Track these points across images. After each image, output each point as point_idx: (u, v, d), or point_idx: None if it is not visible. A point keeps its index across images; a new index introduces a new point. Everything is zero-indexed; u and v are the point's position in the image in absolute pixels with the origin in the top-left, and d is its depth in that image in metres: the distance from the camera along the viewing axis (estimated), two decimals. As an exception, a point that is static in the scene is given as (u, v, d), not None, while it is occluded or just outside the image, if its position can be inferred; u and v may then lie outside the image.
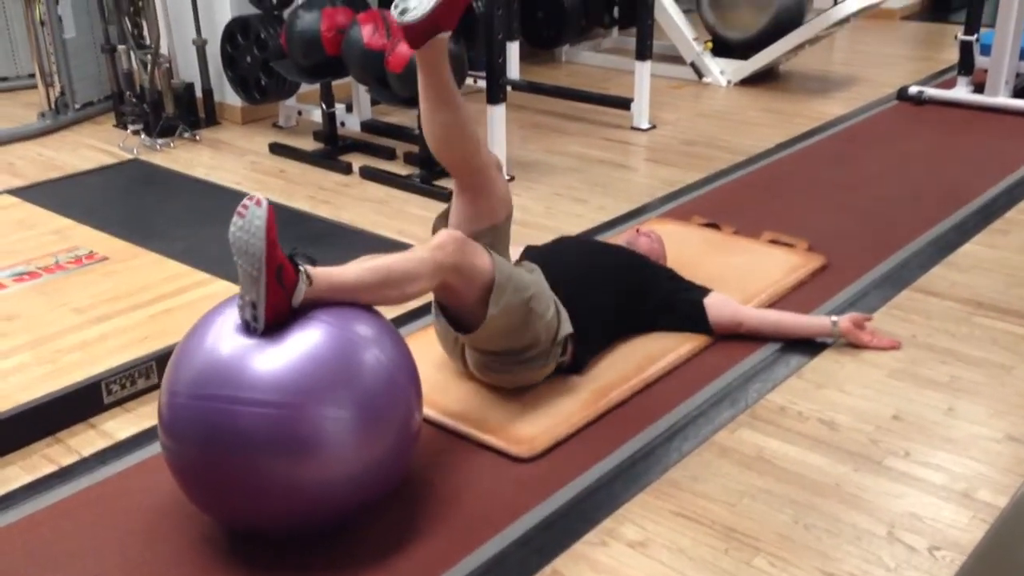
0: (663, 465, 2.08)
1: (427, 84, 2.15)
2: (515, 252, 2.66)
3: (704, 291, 2.58)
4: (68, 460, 2.16)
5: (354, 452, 1.76)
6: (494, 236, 2.23)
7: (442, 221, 2.29)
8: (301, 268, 1.79)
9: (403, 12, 2.04)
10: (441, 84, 2.13)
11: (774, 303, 2.73)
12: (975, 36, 4.56)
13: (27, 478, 2.09)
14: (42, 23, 4.51)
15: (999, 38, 4.39)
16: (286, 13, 4.01)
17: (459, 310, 2.11)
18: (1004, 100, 4.43)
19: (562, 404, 2.25)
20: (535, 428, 2.16)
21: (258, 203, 1.72)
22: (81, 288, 2.84)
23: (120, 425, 2.29)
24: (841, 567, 1.78)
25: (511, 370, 2.23)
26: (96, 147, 4.33)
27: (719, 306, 2.54)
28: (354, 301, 1.87)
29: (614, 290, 2.49)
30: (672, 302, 2.56)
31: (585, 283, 2.42)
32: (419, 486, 2.00)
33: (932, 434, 2.17)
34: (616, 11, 5.91)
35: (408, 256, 1.97)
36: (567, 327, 2.26)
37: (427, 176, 3.79)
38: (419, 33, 2.05)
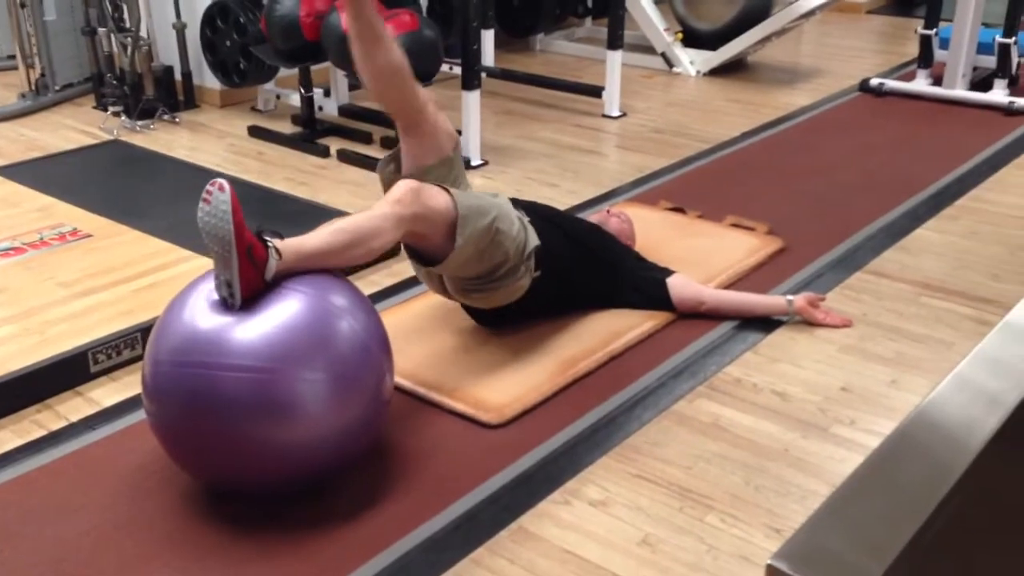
0: (625, 432, 2.21)
1: (357, 25, 2.20)
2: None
3: (667, 272, 2.71)
4: (57, 425, 2.26)
5: (328, 414, 1.88)
6: (447, 168, 2.35)
7: (387, 165, 2.38)
8: (270, 244, 1.89)
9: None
10: (370, 22, 2.19)
11: (734, 283, 2.86)
12: (934, 30, 4.71)
13: (19, 441, 2.19)
14: (23, 5, 4.55)
15: (956, 32, 4.55)
16: (265, -2, 4.09)
17: (429, 248, 2.23)
18: (960, 92, 4.59)
19: (530, 374, 2.37)
20: (504, 396, 2.28)
21: (221, 188, 1.81)
22: (66, 263, 2.93)
23: (106, 393, 2.39)
24: (787, 523, 1.91)
25: (487, 289, 2.35)
26: (77, 128, 4.40)
27: (681, 286, 2.67)
28: (324, 266, 1.97)
29: (581, 249, 2.60)
30: (636, 281, 2.69)
31: (555, 235, 2.51)
32: (392, 449, 2.12)
33: (877, 404, 2.31)
34: (590, 1, 6.04)
35: (370, 215, 2.08)
36: (534, 240, 2.38)
37: (403, 160, 3.89)
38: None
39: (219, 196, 1.80)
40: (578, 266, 2.59)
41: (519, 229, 2.34)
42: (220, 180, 1.83)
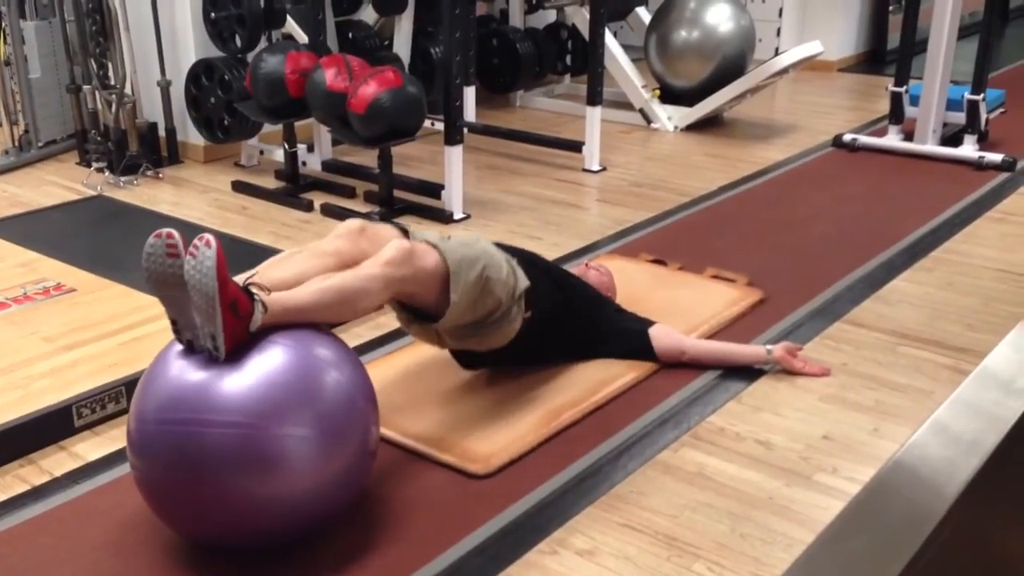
0: (611, 481, 2.22)
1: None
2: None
3: (649, 322, 2.74)
4: (40, 480, 2.24)
5: (314, 468, 1.87)
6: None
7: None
8: (257, 298, 1.89)
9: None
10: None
11: (715, 334, 2.89)
12: (904, 88, 4.83)
13: (1, 496, 2.17)
14: (7, 63, 4.60)
15: (926, 90, 4.67)
16: (250, 56, 4.16)
17: (423, 305, 2.25)
18: (931, 147, 4.70)
19: (516, 425, 2.39)
20: (491, 447, 2.29)
21: (208, 244, 1.80)
22: (50, 318, 2.93)
23: (90, 447, 2.38)
24: (773, 572, 1.92)
25: (482, 333, 2.37)
26: (60, 184, 4.41)
27: (663, 336, 2.70)
28: (309, 321, 1.99)
29: (567, 294, 2.63)
30: (619, 332, 2.72)
31: (542, 279, 2.54)
32: (379, 501, 2.12)
33: (858, 452, 2.34)
34: (569, 59, 6.16)
35: (359, 274, 2.09)
36: (524, 282, 2.41)
37: (386, 214, 3.93)
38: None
39: (205, 252, 1.80)
40: (564, 310, 2.61)
41: (508, 272, 2.37)
42: (207, 235, 1.83)
